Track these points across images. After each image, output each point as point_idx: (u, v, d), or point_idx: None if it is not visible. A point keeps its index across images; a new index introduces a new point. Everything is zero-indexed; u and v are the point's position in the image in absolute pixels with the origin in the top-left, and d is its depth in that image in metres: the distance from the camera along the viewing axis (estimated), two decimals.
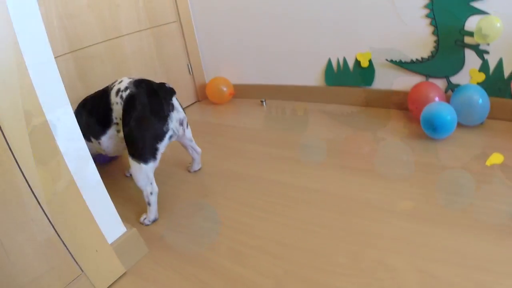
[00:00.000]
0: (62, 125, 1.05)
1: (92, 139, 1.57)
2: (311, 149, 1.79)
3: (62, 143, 1.03)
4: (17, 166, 0.92)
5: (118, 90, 1.43)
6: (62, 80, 1.80)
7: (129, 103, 1.38)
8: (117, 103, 1.43)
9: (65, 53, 1.90)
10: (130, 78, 1.47)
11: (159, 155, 1.41)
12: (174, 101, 1.45)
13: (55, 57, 1.75)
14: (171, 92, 1.43)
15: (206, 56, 2.73)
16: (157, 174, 1.64)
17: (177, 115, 1.46)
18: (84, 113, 1.57)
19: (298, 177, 1.57)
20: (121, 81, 1.46)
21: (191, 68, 2.67)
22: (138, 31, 2.27)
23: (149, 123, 1.36)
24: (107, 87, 1.52)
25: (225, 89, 2.57)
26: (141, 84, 1.41)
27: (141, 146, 1.37)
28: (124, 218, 1.27)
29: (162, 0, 2.43)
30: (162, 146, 1.41)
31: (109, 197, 1.21)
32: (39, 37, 1.01)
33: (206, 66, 2.75)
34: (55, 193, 1.01)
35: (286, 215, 1.35)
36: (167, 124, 1.41)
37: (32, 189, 0.96)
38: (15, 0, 0.91)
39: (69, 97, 1.84)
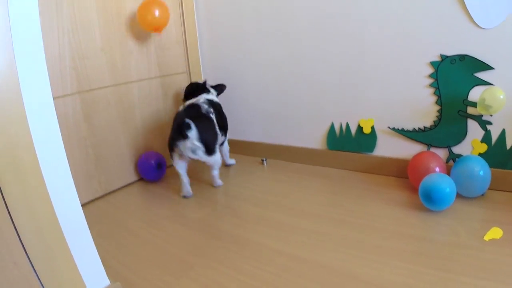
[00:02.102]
0: (51, 164, 1.03)
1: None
2: (306, 215, 1.75)
3: (51, 186, 1.01)
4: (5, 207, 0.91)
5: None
6: (68, 119, 1.84)
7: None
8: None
9: (74, 93, 1.93)
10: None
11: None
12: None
13: (63, 96, 1.81)
14: (185, 125, 1.84)
15: None
16: (150, 225, 1.70)
17: (189, 143, 1.88)
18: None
19: (289, 244, 1.52)
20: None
21: None
22: (147, 79, 2.31)
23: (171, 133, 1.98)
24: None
25: None
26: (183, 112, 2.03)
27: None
28: (110, 270, 1.23)
29: (174, 50, 2.49)
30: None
31: (94, 246, 1.17)
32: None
33: None
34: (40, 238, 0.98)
35: (273, 285, 1.30)
36: (174, 143, 1.94)
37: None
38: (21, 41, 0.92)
39: (72, 136, 1.87)
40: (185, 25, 2.53)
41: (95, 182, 2.07)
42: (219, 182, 2.14)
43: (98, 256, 1.18)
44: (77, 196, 1.09)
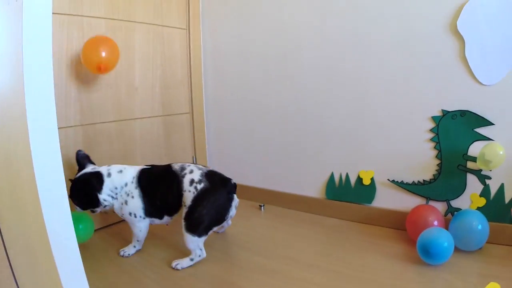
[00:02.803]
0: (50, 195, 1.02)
1: (156, 220, 1.84)
2: (301, 265, 1.71)
3: (49, 220, 1.00)
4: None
5: (192, 181, 1.70)
6: (68, 151, 1.84)
7: (204, 194, 1.68)
8: (189, 191, 1.70)
9: (76, 125, 1.94)
10: (200, 169, 1.76)
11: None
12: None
13: (66, 127, 1.81)
14: (235, 187, 1.80)
15: (212, 151, 2.77)
16: (143, 265, 1.71)
17: (235, 203, 1.82)
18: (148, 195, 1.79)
19: None
20: (192, 171, 1.74)
21: (195, 160, 2.68)
22: (150, 117, 2.32)
23: (217, 212, 1.72)
24: (175, 174, 1.76)
25: None
26: (213, 178, 1.74)
27: (203, 227, 1.68)
28: None
29: (179, 90, 2.52)
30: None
31: (82, 264, 1.14)
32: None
33: (210, 161, 2.77)
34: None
35: None
36: (228, 214, 1.78)
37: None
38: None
39: (72, 168, 1.87)
40: (191, 66, 2.58)
41: (92, 215, 2.05)
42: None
43: (84, 273, 1.15)
44: (73, 231, 1.07)
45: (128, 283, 1.59)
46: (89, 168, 1.78)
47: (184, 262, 1.70)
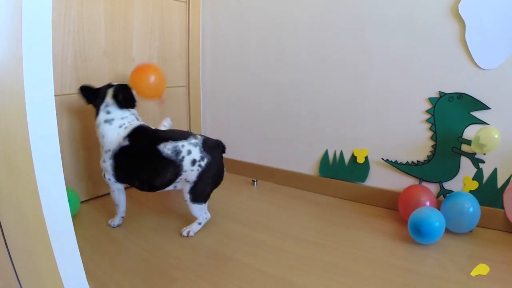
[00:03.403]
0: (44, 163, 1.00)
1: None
2: (293, 238, 1.73)
3: (42, 185, 0.98)
4: None
5: (194, 161, 1.66)
6: (62, 119, 1.82)
7: (208, 167, 1.69)
8: (192, 170, 1.67)
9: (72, 93, 1.92)
10: (195, 145, 1.70)
11: None
12: None
13: (61, 95, 1.80)
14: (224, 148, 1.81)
15: (207, 126, 2.78)
16: (135, 235, 1.71)
17: None
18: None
19: (274, 265, 1.50)
20: (190, 152, 1.67)
21: None
22: None
23: (218, 177, 1.77)
24: (168, 160, 1.66)
25: None
26: (209, 147, 1.71)
27: (206, 193, 1.75)
28: (91, 276, 1.21)
29: (176, 63, 2.51)
30: None
31: (78, 250, 1.12)
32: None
33: (205, 134, 2.75)
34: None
35: None
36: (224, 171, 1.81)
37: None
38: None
39: (65, 137, 1.85)
40: (190, 40, 2.56)
41: (84, 185, 2.05)
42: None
43: (81, 261, 1.14)
44: (66, 198, 1.06)
45: (119, 252, 1.59)
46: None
47: (194, 227, 1.77)
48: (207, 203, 1.77)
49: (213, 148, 1.72)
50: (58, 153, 1.01)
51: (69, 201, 1.73)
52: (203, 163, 1.67)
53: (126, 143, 1.66)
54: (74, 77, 1.92)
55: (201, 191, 1.71)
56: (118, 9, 2.07)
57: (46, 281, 1.03)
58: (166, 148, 1.65)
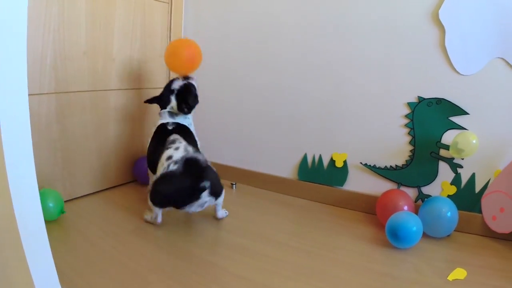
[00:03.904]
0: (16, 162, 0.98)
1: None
2: (270, 242, 1.73)
3: (14, 184, 0.95)
4: None
5: (170, 157, 1.70)
6: (40, 119, 1.79)
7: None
8: (163, 164, 1.71)
9: (50, 92, 1.88)
10: (185, 151, 1.73)
11: None
12: None
13: (40, 94, 1.77)
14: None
15: None
16: (111, 236, 1.69)
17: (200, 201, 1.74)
18: None
19: (251, 269, 1.49)
20: (177, 148, 1.73)
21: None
22: (125, 89, 2.29)
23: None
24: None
25: None
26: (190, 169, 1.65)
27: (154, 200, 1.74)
28: (64, 278, 1.19)
29: (157, 64, 2.49)
30: None
31: (50, 251, 1.10)
32: None
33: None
34: None
35: None
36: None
37: None
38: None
39: (42, 137, 1.82)
40: (171, 41, 2.54)
41: (60, 186, 2.01)
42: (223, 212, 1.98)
43: (53, 262, 1.12)
44: (39, 198, 1.04)
45: (94, 254, 1.57)
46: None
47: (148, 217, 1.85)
48: (155, 207, 1.74)
49: (192, 167, 1.65)
50: (31, 151, 0.99)
51: (56, 202, 1.73)
52: (172, 166, 1.65)
53: None
54: (53, 77, 1.89)
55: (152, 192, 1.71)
56: (100, 8, 2.04)
57: (17, 282, 1.01)
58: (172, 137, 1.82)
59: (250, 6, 2.33)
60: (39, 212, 1.04)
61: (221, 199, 1.83)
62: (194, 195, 1.64)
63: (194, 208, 1.69)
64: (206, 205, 1.73)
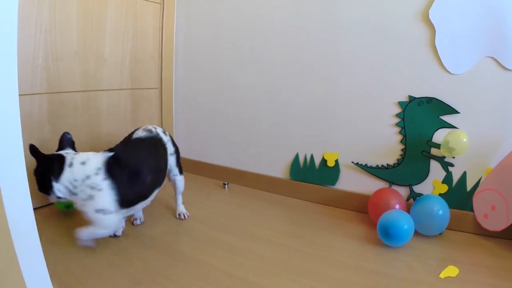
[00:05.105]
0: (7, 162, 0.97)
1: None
2: (262, 241, 1.73)
3: (4, 184, 0.95)
4: None
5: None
6: (32, 118, 1.79)
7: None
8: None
9: (42, 93, 1.88)
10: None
11: None
12: None
13: (31, 94, 1.77)
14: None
15: (179, 128, 2.75)
16: (106, 240, 1.65)
17: None
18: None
19: (241, 268, 1.49)
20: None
21: None
22: (118, 89, 2.28)
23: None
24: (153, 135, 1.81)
25: None
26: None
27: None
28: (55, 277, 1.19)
29: (149, 65, 2.49)
30: None
31: (41, 250, 1.09)
32: None
33: (177, 139, 2.74)
34: None
35: None
36: None
37: None
38: None
39: (34, 137, 1.82)
40: (163, 42, 2.55)
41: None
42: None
43: (44, 261, 1.12)
44: (30, 197, 1.04)
45: (84, 253, 1.56)
46: (63, 151, 1.50)
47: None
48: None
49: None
50: (22, 152, 0.99)
51: None
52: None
53: None
54: (45, 77, 1.89)
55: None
56: (91, 9, 2.04)
57: (8, 281, 1.01)
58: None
59: (241, 8, 2.33)
60: (30, 212, 1.04)
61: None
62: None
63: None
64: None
